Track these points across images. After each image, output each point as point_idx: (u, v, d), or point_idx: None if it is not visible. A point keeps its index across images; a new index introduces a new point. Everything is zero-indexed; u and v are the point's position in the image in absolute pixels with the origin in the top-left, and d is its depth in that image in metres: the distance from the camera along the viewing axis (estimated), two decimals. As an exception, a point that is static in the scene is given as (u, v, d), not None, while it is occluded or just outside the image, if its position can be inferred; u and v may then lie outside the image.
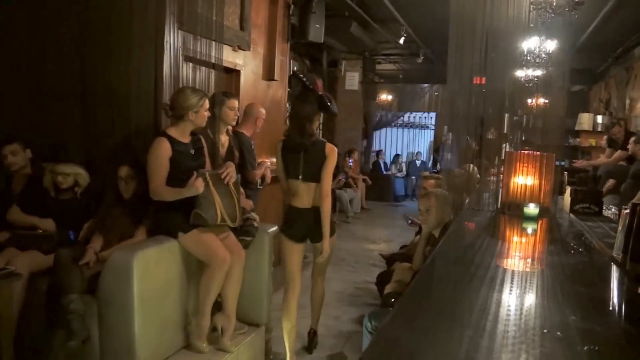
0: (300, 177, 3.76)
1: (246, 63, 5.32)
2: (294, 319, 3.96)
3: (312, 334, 4.34)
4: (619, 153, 6.68)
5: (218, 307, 3.61)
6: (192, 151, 3.50)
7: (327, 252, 3.84)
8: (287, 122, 4.09)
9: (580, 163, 7.72)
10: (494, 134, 4.59)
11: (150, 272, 3.16)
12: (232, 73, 5.19)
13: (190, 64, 4.20)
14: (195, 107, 3.40)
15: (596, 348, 1.44)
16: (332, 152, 3.76)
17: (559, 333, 1.52)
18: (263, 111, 4.81)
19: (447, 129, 4.97)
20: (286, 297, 3.99)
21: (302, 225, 3.84)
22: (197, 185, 3.26)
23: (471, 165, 4.67)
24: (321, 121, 11.25)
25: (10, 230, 3.57)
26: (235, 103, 4.18)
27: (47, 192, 3.65)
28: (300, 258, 4.00)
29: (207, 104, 3.47)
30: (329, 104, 3.81)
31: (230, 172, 3.46)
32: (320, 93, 3.81)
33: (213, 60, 4.28)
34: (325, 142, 3.82)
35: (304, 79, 3.79)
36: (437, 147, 13.23)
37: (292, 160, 3.79)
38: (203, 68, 4.32)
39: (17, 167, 3.81)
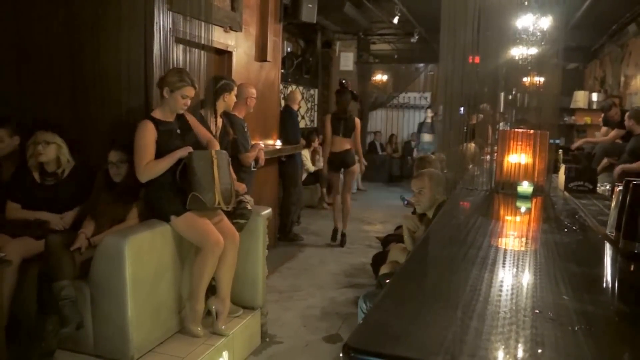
0: (340, 134, 6.72)
1: (238, 44, 5.26)
2: (340, 206, 7.00)
3: (342, 235, 7.04)
4: (615, 132, 6.65)
5: (212, 290, 3.61)
6: (178, 130, 3.48)
7: (357, 169, 7.19)
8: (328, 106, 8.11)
9: (578, 142, 7.66)
10: (488, 112, 4.56)
11: (142, 256, 3.15)
12: (224, 54, 5.13)
13: (181, 45, 4.14)
14: (171, 85, 3.37)
15: (589, 328, 1.43)
16: (358, 122, 6.91)
17: (550, 313, 1.51)
18: (253, 91, 4.82)
19: (442, 108, 4.92)
20: (333, 200, 7.22)
21: (338, 161, 6.80)
22: (190, 150, 3.36)
23: (467, 144, 4.64)
24: (315, 102, 11.28)
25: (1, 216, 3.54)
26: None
27: (33, 179, 3.58)
28: (338, 179, 7.07)
29: (186, 92, 3.43)
30: (356, 94, 7.59)
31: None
32: (350, 89, 7.58)
33: (204, 42, 4.23)
34: (355, 116, 6.96)
35: (343, 82, 8.13)
36: (420, 127, 12.26)
37: (337, 125, 6.72)
38: (194, 50, 4.26)
39: (4, 152, 3.74)
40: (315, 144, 9.41)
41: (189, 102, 3.50)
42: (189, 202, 3.31)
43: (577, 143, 7.39)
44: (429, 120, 11.43)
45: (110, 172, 3.51)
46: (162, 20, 3.84)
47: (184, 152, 3.36)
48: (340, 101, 6.87)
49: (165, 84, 3.39)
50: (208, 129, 4.03)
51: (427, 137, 11.17)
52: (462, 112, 4.22)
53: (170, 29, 3.91)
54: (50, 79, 3.96)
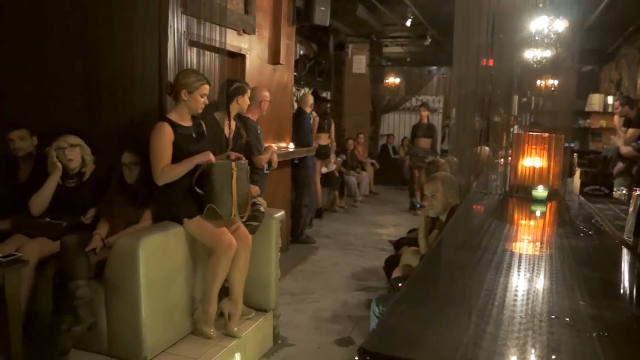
0: (325, 131, 8.53)
1: (251, 47, 5.28)
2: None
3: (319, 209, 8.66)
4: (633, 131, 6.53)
5: (225, 292, 3.62)
6: (194, 134, 3.48)
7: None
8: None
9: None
10: (502, 116, 4.54)
11: (156, 258, 3.17)
12: (238, 57, 5.15)
13: (195, 48, 4.16)
14: (189, 87, 3.38)
15: (606, 334, 1.41)
16: (332, 122, 8.80)
17: (567, 319, 1.50)
18: (267, 94, 4.84)
19: (455, 111, 4.89)
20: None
21: (323, 152, 8.42)
22: (210, 157, 3.35)
23: (482, 147, 4.62)
24: (328, 106, 11.32)
25: (21, 217, 3.58)
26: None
27: None
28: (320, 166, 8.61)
29: (204, 90, 3.44)
30: (330, 100, 9.96)
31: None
32: (325, 97, 9.84)
33: (218, 45, 4.24)
34: (330, 117, 8.86)
35: (322, 94, 9.95)
36: (414, 131, 9.81)
37: (323, 124, 8.51)
38: (208, 53, 4.28)
39: (24, 152, 3.79)
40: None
41: (206, 100, 3.52)
42: (205, 212, 3.32)
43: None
44: (424, 122, 9.50)
45: (123, 173, 3.53)
46: (176, 24, 3.86)
47: (203, 157, 3.35)
48: (322, 106, 8.68)
49: (183, 86, 3.39)
50: (222, 132, 4.04)
51: (423, 143, 9.39)
52: (477, 119, 4.21)
53: (184, 32, 3.93)
54: (65, 82, 3.99)
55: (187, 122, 3.47)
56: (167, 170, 3.30)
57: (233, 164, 3.40)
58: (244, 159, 3.64)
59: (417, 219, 7.40)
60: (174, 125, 3.36)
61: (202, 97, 3.45)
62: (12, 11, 4.11)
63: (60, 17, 3.99)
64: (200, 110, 3.52)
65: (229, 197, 3.34)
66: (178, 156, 3.34)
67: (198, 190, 3.35)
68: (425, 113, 9.48)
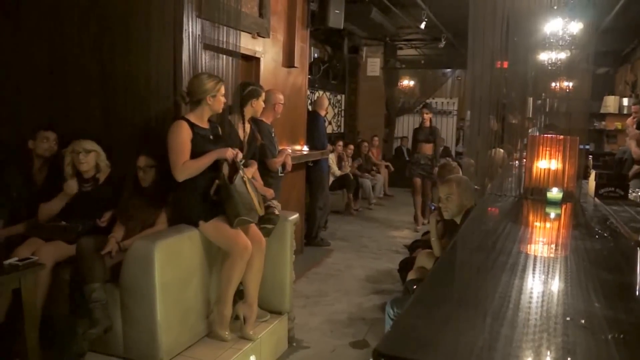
0: None
1: (266, 50, 5.30)
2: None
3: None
4: None
5: (240, 295, 3.63)
6: (211, 136, 3.51)
7: None
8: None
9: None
10: (517, 118, 4.52)
11: (171, 261, 3.19)
12: (252, 60, 5.17)
13: (209, 52, 4.19)
14: (212, 92, 3.42)
15: (621, 336, 1.41)
16: None
17: (582, 321, 1.49)
18: (281, 97, 4.85)
19: (469, 114, 4.87)
20: None
21: None
22: (228, 154, 3.37)
23: (497, 149, 4.61)
24: (342, 108, 11.31)
25: (34, 220, 3.62)
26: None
27: None
28: None
29: (223, 89, 3.49)
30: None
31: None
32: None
33: (232, 48, 4.26)
34: None
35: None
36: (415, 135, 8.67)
37: None
38: (222, 56, 4.31)
39: (50, 154, 3.84)
40: (340, 148, 9.44)
41: (225, 98, 3.57)
42: (235, 224, 3.35)
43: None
44: (426, 125, 8.48)
45: (138, 176, 3.56)
46: (191, 27, 3.88)
47: (221, 153, 3.38)
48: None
49: (205, 93, 3.41)
50: (236, 135, 4.06)
51: (425, 149, 8.40)
52: (492, 119, 4.19)
53: (198, 35, 3.95)
54: (81, 87, 4.04)
55: (205, 125, 3.50)
56: (189, 165, 3.31)
57: (241, 171, 3.42)
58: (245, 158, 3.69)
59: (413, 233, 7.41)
60: (192, 125, 3.39)
61: (222, 96, 3.51)
62: (29, 17, 4.16)
63: (76, 21, 4.03)
64: (221, 110, 3.57)
65: (252, 204, 3.39)
66: (196, 155, 3.35)
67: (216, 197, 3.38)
68: (427, 115, 8.52)
